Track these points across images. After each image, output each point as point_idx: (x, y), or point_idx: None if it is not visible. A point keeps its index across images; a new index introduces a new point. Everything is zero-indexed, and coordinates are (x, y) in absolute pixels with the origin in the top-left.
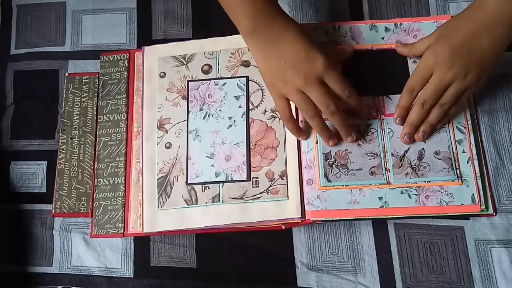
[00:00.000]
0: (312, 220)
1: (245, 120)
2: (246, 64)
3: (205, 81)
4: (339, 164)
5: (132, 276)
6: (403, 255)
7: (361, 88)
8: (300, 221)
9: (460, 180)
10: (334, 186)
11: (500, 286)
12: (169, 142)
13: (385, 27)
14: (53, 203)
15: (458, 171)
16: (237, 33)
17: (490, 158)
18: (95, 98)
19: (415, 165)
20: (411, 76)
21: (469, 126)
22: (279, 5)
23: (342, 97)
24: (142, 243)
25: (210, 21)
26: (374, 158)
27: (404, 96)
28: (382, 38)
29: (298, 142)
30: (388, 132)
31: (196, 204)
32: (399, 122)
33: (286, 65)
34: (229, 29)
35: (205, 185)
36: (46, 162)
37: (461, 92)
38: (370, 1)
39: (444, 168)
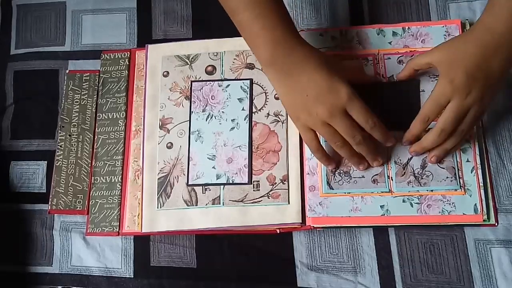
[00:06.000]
0: (313, 226)
1: (247, 123)
2: (251, 66)
3: (208, 82)
4: (341, 171)
5: (132, 276)
6: (403, 255)
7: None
8: (300, 226)
9: (463, 190)
10: (336, 193)
11: (500, 286)
12: (170, 142)
13: (393, 32)
14: (50, 199)
15: (461, 180)
16: (239, 34)
17: (490, 158)
18: (95, 96)
19: (418, 173)
20: (425, 105)
21: (475, 134)
22: (299, 34)
23: (366, 128)
24: (142, 243)
25: (210, 21)
26: None
27: (417, 125)
28: (390, 43)
29: (301, 147)
30: None
31: (196, 205)
32: (407, 145)
33: (309, 97)
34: (229, 30)
35: (205, 187)
36: (46, 162)
37: (479, 116)
38: (370, 1)
39: (447, 177)
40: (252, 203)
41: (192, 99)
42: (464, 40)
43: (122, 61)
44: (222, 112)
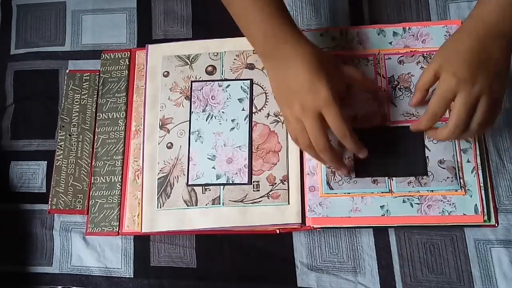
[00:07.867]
0: (313, 226)
1: (248, 123)
2: (251, 67)
3: (208, 82)
4: None
5: (132, 276)
6: (403, 255)
7: (377, 169)
8: (300, 226)
9: (463, 190)
10: (336, 193)
11: (500, 286)
12: (170, 142)
13: (393, 32)
14: (49, 199)
15: (461, 180)
16: (239, 34)
17: (491, 158)
18: (95, 96)
19: None
20: (432, 102)
21: (475, 135)
22: (295, 26)
23: (337, 136)
24: (142, 243)
25: (210, 21)
26: None
27: (425, 122)
28: (390, 43)
29: None
30: None
31: (196, 205)
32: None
33: (290, 91)
34: (229, 30)
35: (205, 187)
36: (46, 162)
37: (492, 105)
38: (370, 1)
39: (447, 177)
40: (252, 203)
41: (192, 99)
42: (458, 37)
43: (122, 61)
44: (222, 112)
